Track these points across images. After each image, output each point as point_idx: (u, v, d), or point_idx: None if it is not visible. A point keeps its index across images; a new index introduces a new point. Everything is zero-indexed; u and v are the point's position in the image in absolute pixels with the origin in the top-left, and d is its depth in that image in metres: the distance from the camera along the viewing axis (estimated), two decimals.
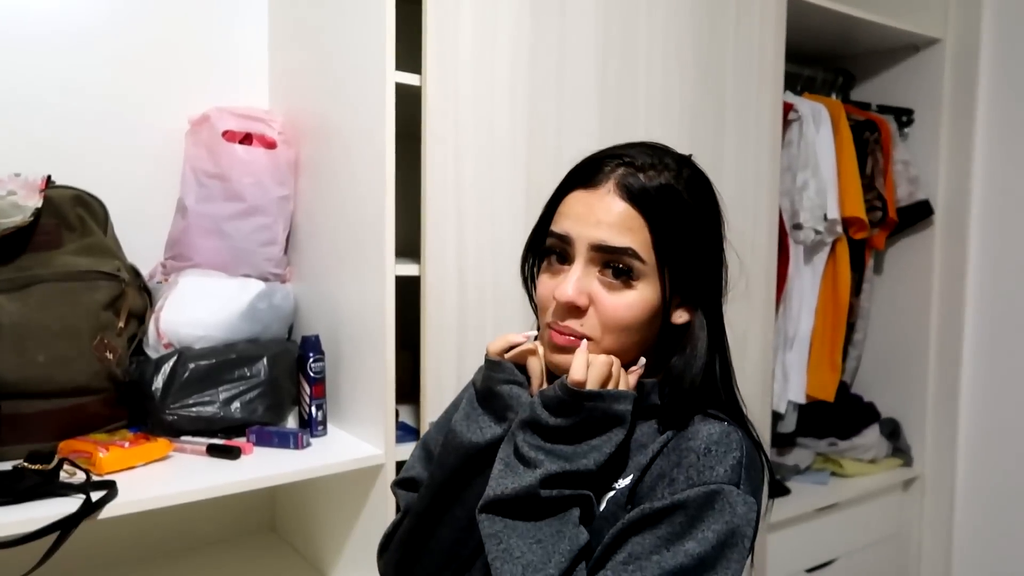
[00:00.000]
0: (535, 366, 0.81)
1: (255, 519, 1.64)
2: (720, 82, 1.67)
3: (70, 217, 1.32)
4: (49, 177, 1.31)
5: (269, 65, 1.64)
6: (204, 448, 1.24)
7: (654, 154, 0.81)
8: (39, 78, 1.41)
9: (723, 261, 0.84)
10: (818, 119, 2.03)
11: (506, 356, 0.80)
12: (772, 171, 1.78)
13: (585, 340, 0.78)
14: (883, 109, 2.28)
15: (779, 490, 2.09)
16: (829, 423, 2.27)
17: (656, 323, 0.80)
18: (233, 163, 1.43)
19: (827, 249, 2.10)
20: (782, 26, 1.77)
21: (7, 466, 1.09)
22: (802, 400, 2.10)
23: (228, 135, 1.44)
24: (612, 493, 0.77)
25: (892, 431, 2.33)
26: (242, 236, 1.44)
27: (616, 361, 0.78)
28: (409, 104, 1.27)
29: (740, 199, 1.72)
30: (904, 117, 2.28)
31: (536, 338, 0.82)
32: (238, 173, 1.43)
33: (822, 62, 2.31)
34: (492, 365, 0.80)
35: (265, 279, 1.47)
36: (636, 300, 0.78)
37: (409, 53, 1.28)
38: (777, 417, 2.08)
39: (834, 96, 2.30)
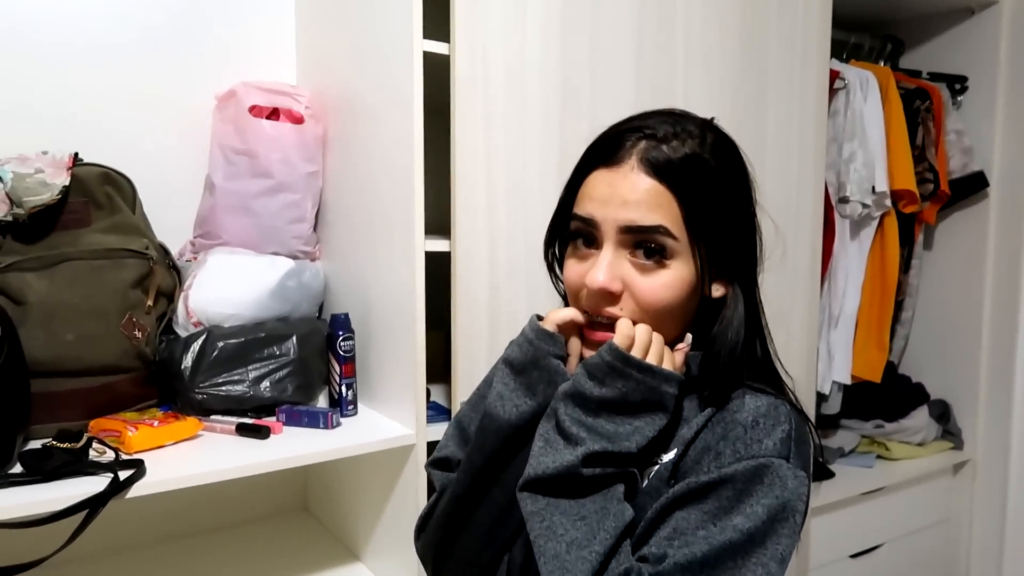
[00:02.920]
0: (576, 345, 0.77)
1: (288, 498, 1.64)
2: (763, 48, 1.59)
3: (98, 195, 1.30)
4: (76, 155, 1.30)
5: (296, 39, 1.60)
6: (233, 427, 1.23)
7: (675, 122, 0.77)
8: (64, 57, 1.40)
9: (756, 228, 0.80)
10: (866, 87, 1.94)
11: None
12: (817, 142, 1.70)
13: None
14: (935, 76, 2.17)
15: (823, 473, 2.02)
16: (876, 404, 2.19)
17: (695, 299, 0.77)
18: (260, 139, 1.40)
19: (875, 223, 2.02)
20: None
21: (37, 444, 1.08)
22: (847, 381, 2.02)
23: (255, 110, 1.41)
24: (655, 467, 0.74)
25: (942, 413, 2.25)
26: (270, 213, 1.41)
27: (659, 336, 0.75)
28: (438, 76, 1.23)
29: (784, 171, 1.65)
30: (957, 85, 2.17)
31: None
32: (265, 149, 1.40)
33: (869, 28, 2.21)
34: (545, 336, 0.76)
35: (294, 257, 1.45)
36: (672, 279, 0.75)
37: (437, 23, 1.23)
38: (821, 398, 2.01)
39: (882, 63, 2.20)
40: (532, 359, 0.76)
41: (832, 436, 2.17)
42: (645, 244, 0.74)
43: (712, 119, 0.79)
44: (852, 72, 1.93)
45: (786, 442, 0.70)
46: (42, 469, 1.01)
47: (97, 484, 1.00)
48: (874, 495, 2.06)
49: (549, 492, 0.71)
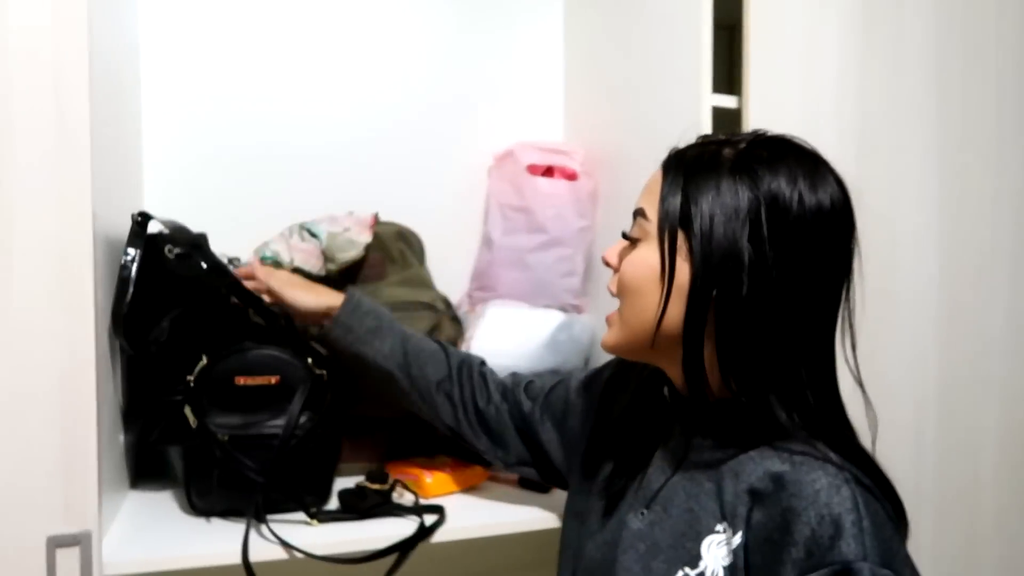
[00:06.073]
0: None
1: (544, 551, 1.63)
2: None
3: (393, 251, 1.41)
4: (377, 215, 1.42)
5: (564, 101, 1.66)
6: (516, 478, 1.25)
7: (739, 134, 0.81)
8: (364, 127, 1.54)
9: (789, 247, 0.73)
10: None
11: None
12: None
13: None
14: None
15: None
16: None
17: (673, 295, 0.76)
18: (536, 196, 1.45)
19: None
20: None
21: (349, 483, 1.16)
22: None
23: (531, 168, 1.47)
24: (717, 541, 0.72)
25: None
26: (544, 267, 1.45)
27: None
28: (723, 129, 1.21)
29: None
30: None
31: None
32: (541, 205, 1.45)
33: None
34: None
35: (563, 310, 1.47)
36: (635, 257, 0.79)
37: (720, 76, 1.22)
38: None
39: None
40: None
41: None
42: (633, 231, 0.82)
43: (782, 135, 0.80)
44: None
45: (859, 537, 0.63)
46: (357, 508, 1.08)
47: (402, 526, 1.06)
48: None
49: None
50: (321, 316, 1.11)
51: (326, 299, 1.11)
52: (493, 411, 1.09)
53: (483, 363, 1.16)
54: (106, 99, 1.02)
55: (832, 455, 0.69)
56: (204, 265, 1.08)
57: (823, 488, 0.66)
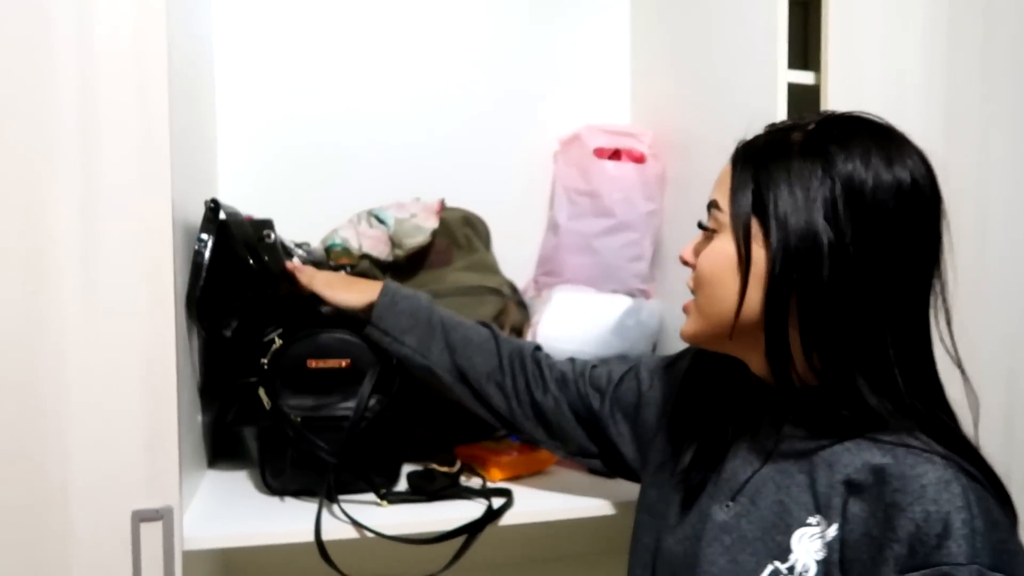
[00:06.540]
0: None
1: (609, 539, 1.62)
2: None
3: (458, 236, 1.42)
4: (443, 201, 1.42)
5: (632, 83, 1.63)
6: (584, 464, 1.24)
7: (808, 116, 0.78)
8: (430, 113, 1.55)
9: (877, 226, 0.70)
10: None
11: None
12: None
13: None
14: None
15: None
16: None
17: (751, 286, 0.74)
18: (603, 179, 1.43)
19: None
20: None
21: (418, 467, 1.17)
22: None
23: (598, 152, 1.45)
24: (809, 534, 0.70)
25: None
26: (611, 252, 1.44)
27: None
28: (798, 107, 1.17)
29: None
30: None
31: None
32: (608, 189, 1.43)
33: None
34: None
35: (631, 295, 1.45)
36: (711, 250, 0.77)
37: (795, 52, 1.18)
38: None
39: None
40: None
41: None
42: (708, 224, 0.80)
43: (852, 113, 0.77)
44: None
45: (971, 538, 0.60)
46: (426, 490, 1.09)
47: (470, 509, 1.06)
48: None
49: None
50: (366, 310, 1.10)
51: (369, 295, 1.10)
52: (551, 402, 1.05)
53: (537, 348, 1.12)
54: (184, 97, 1.05)
55: (937, 447, 0.66)
56: (251, 260, 1.10)
57: (930, 483, 0.63)
